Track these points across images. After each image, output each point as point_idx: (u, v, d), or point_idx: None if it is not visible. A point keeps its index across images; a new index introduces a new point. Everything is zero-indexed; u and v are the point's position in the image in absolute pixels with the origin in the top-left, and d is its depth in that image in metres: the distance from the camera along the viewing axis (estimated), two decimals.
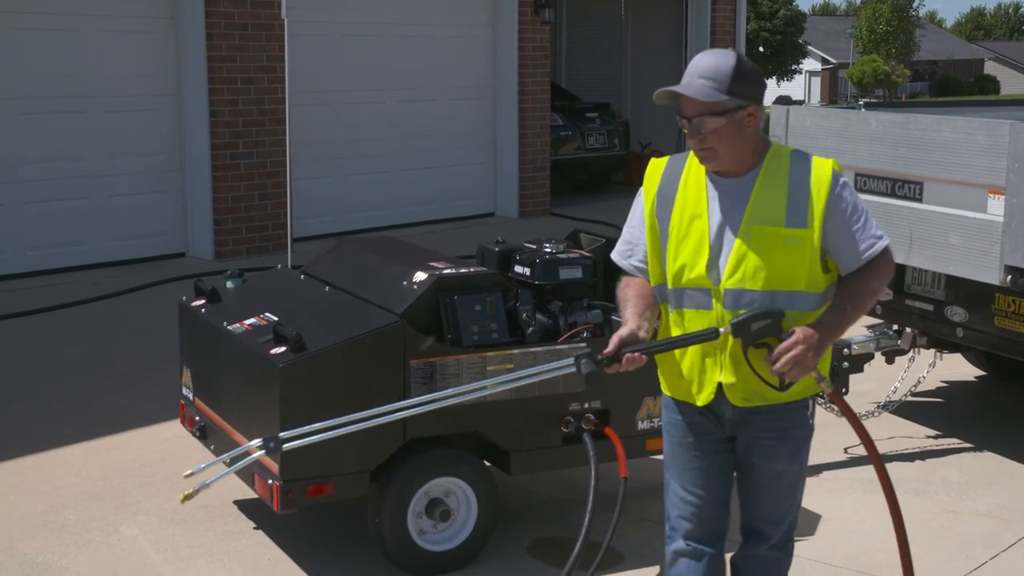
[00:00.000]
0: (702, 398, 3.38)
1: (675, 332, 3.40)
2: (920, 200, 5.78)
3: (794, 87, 56.04)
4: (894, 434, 6.26)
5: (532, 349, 4.63)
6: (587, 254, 5.11)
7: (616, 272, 5.34)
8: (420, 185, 12.85)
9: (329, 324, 4.57)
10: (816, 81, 63.87)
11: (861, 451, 5.62)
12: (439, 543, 4.60)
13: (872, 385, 6.69)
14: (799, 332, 3.18)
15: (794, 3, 51.55)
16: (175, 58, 10.78)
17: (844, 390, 6.03)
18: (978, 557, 4.86)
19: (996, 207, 5.41)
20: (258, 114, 10.98)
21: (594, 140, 15.64)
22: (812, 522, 4.86)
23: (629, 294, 3.47)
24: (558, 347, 4.68)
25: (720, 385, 3.33)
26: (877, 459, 3.45)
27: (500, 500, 4.71)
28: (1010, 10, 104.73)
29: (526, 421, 4.61)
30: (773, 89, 46.94)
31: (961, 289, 5.86)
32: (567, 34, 18.22)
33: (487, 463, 4.70)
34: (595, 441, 4.65)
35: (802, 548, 4.69)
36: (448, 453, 4.60)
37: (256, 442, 3.37)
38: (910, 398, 6.57)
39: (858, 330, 6.00)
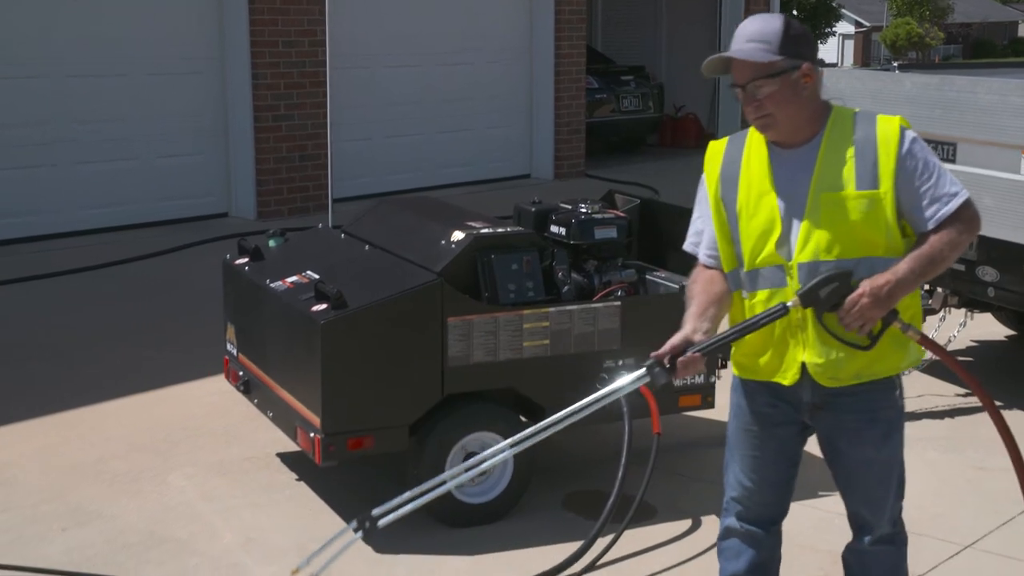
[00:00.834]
0: (788, 378, 3.18)
1: (750, 314, 3.21)
2: (954, 161, 5.72)
3: (827, 50, 55.26)
4: (924, 392, 6.22)
5: (567, 307, 4.63)
6: (622, 214, 5.09)
7: (651, 231, 5.35)
8: (457, 147, 12.81)
9: (369, 282, 4.58)
10: (849, 44, 63.04)
11: None
12: (476, 496, 4.63)
13: None
14: (865, 284, 3.01)
15: None
16: (218, 22, 10.77)
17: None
18: (1007, 512, 4.82)
19: None
20: (299, 77, 10.97)
21: (629, 103, 15.53)
22: None
23: (695, 291, 3.30)
24: (593, 305, 4.67)
25: (804, 365, 3.16)
26: (986, 398, 3.20)
27: (535, 455, 4.72)
28: None
29: (561, 377, 4.61)
30: None
31: (993, 249, 5.79)
32: None
33: (523, 418, 4.71)
34: (628, 398, 4.64)
35: (828, 503, 4.68)
36: (485, 408, 4.61)
37: (352, 524, 3.29)
38: None
39: None
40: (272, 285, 4.82)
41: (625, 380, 3.26)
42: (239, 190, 10.99)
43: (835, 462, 3.31)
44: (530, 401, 4.64)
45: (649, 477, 4.47)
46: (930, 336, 3.15)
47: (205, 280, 7.64)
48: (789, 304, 3.08)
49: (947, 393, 6.25)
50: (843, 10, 57.20)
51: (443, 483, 3.39)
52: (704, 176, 3.30)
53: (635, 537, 4.52)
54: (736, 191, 3.20)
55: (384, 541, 4.47)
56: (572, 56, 13.55)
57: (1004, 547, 4.56)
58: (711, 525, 4.69)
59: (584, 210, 5.00)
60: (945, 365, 3.20)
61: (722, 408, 5.25)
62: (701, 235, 3.35)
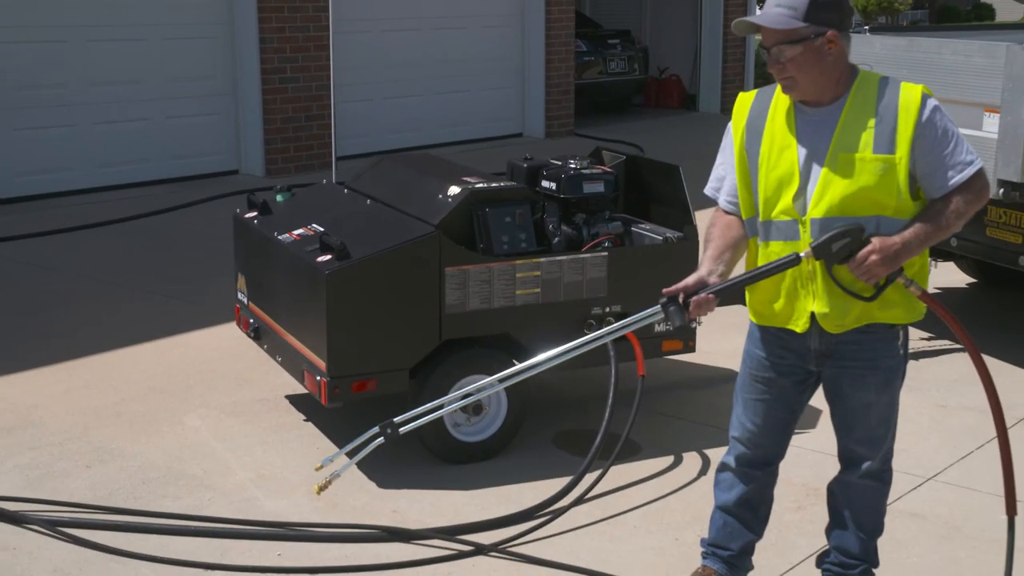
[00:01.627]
0: (800, 325, 3.16)
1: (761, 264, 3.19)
2: None
3: None
4: None
5: (557, 258, 4.61)
6: (609, 170, 5.06)
7: (636, 186, 5.32)
8: (453, 108, 12.73)
9: (371, 234, 4.56)
10: None
11: None
12: (472, 434, 4.63)
13: None
14: (876, 242, 3.00)
15: None
16: None
17: None
18: (965, 447, 4.85)
19: (991, 125, 5.31)
20: (304, 41, 10.86)
21: (615, 65, 15.40)
22: (814, 417, 4.86)
23: (713, 234, 3.27)
24: (581, 256, 4.66)
25: (813, 315, 3.14)
26: (978, 358, 3.18)
27: (527, 396, 4.73)
28: None
29: (552, 323, 4.61)
30: None
31: None
32: None
33: (516, 362, 4.71)
34: (615, 342, 4.64)
35: (802, 440, 4.70)
36: (480, 352, 4.60)
37: (374, 430, 3.25)
38: None
39: None
40: (280, 237, 4.79)
41: (639, 316, 3.21)
42: (248, 148, 10.92)
43: (837, 404, 3.31)
44: (522, 345, 4.63)
45: (634, 417, 4.48)
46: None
47: (217, 233, 7.61)
48: (802, 255, 3.06)
49: (912, 337, 6.23)
50: None
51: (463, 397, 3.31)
52: (730, 125, 3.26)
53: (620, 472, 4.53)
54: (760, 142, 3.16)
55: (387, 477, 4.49)
56: (562, 21, 13.44)
57: (962, 479, 4.58)
58: (691, 461, 4.71)
59: (573, 166, 4.97)
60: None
61: (702, 352, 5.28)
62: (723, 181, 3.32)
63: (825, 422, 5.06)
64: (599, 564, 3.88)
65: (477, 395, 3.24)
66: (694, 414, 5.21)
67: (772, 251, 3.17)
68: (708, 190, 3.40)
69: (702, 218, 4.20)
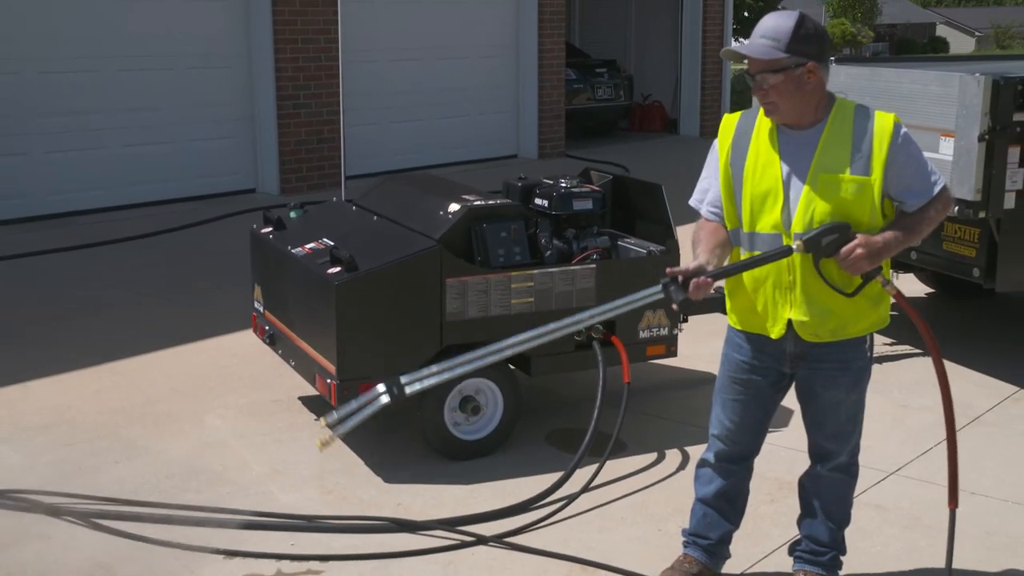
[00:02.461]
0: (776, 331, 3.20)
1: (746, 276, 3.21)
2: None
3: None
4: None
5: (549, 270, 4.61)
6: (597, 188, 5.07)
7: (622, 203, 5.33)
8: (454, 131, 12.75)
9: (377, 248, 4.56)
10: None
11: None
12: (470, 433, 4.63)
13: None
14: (861, 237, 3.04)
15: None
16: (245, 23, 10.67)
17: None
18: (925, 444, 4.85)
19: (947, 148, 5.32)
20: (316, 70, 10.88)
21: (603, 92, 15.43)
22: (786, 416, 4.86)
23: (701, 235, 3.28)
24: (571, 268, 4.66)
25: (790, 322, 3.17)
26: (937, 357, 3.23)
27: (522, 398, 4.72)
28: None
29: None
30: None
31: None
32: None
33: (512, 366, 4.70)
34: (603, 348, 4.64)
35: (775, 437, 4.70)
36: None
37: (380, 387, 3.16)
38: None
39: None
40: (293, 251, 4.79)
41: (642, 294, 3.17)
42: (264, 169, 10.93)
43: (809, 402, 3.33)
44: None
45: (621, 421, 4.47)
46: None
47: (235, 247, 7.60)
48: (794, 247, 3.08)
49: (876, 343, 6.24)
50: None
51: (468, 361, 3.26)
52: (716, 143, 3.28)
53: (608, 468, 4.52)
54: (744, 159, 3.17)
55: (393, 473, 4.48)
56: (553, 51, 13.48)
57: (923, 473, 4.58)
58: (673, 457, 4.70)
59: (564, 185, 4.97)
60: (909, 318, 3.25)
61: (683, 356, 5.28)
62: (706, 193, 3.34)
63: (796, 421, 5.05)
64: (588, 553, 3.87)
65: (479, 361, 3.21)
66: (676, 414, 5.21)
67: None
68: (692, 201, 3.41)
69: (683, 233, 4.20)
